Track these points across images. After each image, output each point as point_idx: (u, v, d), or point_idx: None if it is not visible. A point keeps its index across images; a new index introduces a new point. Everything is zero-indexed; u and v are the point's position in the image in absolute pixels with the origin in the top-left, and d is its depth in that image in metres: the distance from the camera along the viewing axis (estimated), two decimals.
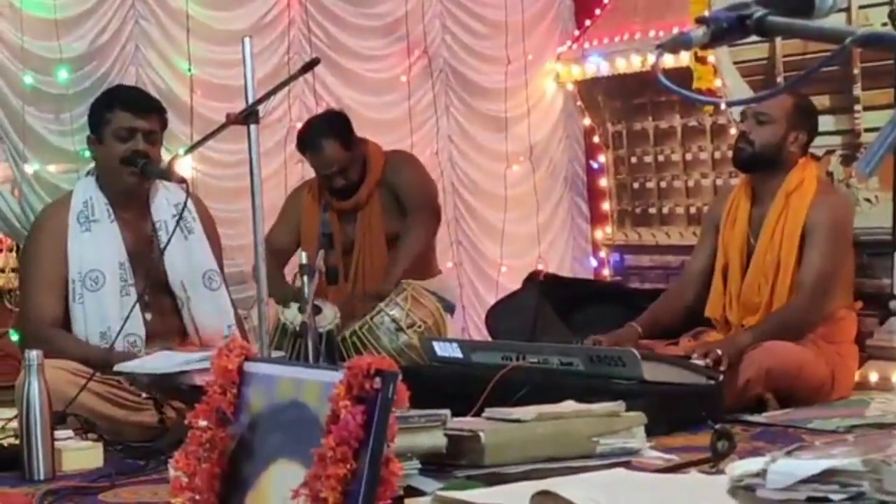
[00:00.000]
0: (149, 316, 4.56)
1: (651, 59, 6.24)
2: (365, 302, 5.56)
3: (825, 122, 5.58)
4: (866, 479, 1.76)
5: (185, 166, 5.51)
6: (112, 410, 4.26)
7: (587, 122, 7.06)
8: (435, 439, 3.10)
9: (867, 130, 5.43)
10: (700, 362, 4.41)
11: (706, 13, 2.05)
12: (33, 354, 3.72)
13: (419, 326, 5.46)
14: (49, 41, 5.67)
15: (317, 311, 4.75)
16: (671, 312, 5.06)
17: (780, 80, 5.70)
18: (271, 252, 5.17)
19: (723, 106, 5.97)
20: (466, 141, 6.90)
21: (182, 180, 4.51)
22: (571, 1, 7.10)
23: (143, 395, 4.19)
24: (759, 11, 1.99)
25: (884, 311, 5.33)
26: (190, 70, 5.99)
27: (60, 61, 5.68)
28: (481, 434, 3.14)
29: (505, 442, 3.18)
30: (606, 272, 7.04)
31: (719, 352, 4.49)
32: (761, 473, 1.85)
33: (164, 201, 4.69)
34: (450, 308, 5.89)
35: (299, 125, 5.99)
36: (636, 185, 6.82)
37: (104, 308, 4.50)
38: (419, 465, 3.05)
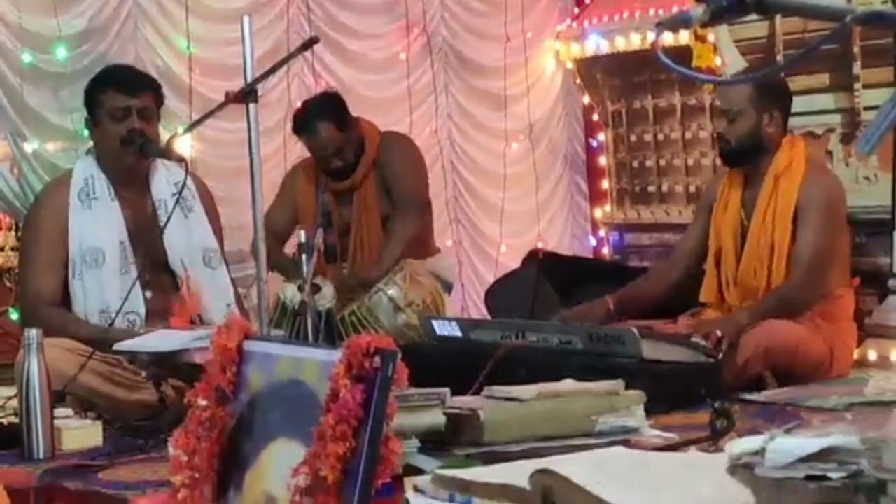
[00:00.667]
0: (149, 294, 4.57)
1: (651, 37, 6.23)
2: (349, 289, 5.56)
3: (825, 101, 5.58)
4: (865, 457, 1.76)
5: (184, 145, 5.51)
6: (111, 389, 4.26)
7: (586, 100, 7.06)
8: (434, 418, 3.10)
9: (867, 109, 5.43)
10: (701, 342, 4.42)
11: None
12: (33, 333, 3.72)
13: (417, 305, 5.46)
14: (47, 19, 5.66)
15: (316, 289, 4.74)
16: (650, 291, 5.04)
17: (779, 58, 5.70)
18: (269, 232, 5.17)
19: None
20: (466, 119, 6.89)
21: (181, 159, 4.51)
22: None
23: (143, 373, 4.19)
24: None
25: (883, 289, 5.33)
26: (189, 48, 5.98)
27: (59, 39, 5.68)
28: (480, 412, 3.15)
29: (504, 420, 3.18)
30: (606, 250, 7.05)
31: (719, 333, 4.51)
32: (760, 452, 1.85)
33: (164, 180, 4.69)
34: (448, 287, 5.89)
35: (298, 104, 5.99)
36: (636, 164, 6.82)
37: (104, 286, 4.50)
38: (418, 444, 3.05)
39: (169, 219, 4.56)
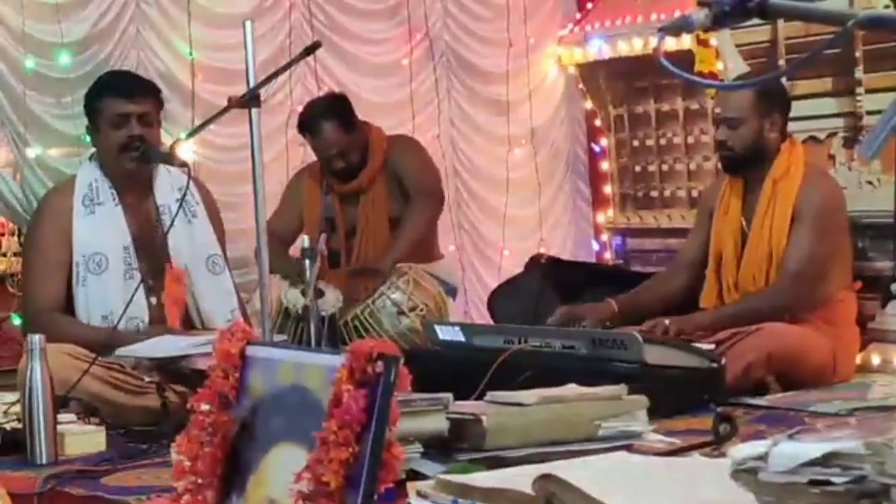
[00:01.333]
0: (153, 300, 4.57)
1: (653, 41, 6.23)
2: (360, 279, 5.56)
3: (827, 105, 5.58)
4: (868, 462, 1.76)
5: (187, 150, 5.51)
6: (114, 394, 4.27)
7: (589, 105, 7.05)
8: (437, 423, 3.10)
9: (869, 113, 5.43)
10: (703, 346, 4.42)
11: None
12: (36, 339, 3.72)
13: (421, 310, 5.46)
14: (50, 25, 5.66)
15: (319, 294, 4.75)
16: (654, 297, 5.04)
17: (782, 62, 5.70)
18: (273, 238, 5.17)
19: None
20: (468, 124, 6.89)
21: (183, 164, 4.51)
22: None
23: (146, 378, 4.20)
24: None
25: (885, 293, 5.33)
26: (191, 53, 5.98)
27: (62, 45, 5.68)
28: (483, 418, 3.14)
29: (507, 425, 3.18)
30: (608, 255, 7.04)
31: (667, 322, 4.60)
32: (763, 456, 1.85)
33: (167, 185, 4.70)
34: (451, 291, 5.89)
35: (301, 109, 5.99)
36: (638, 169, 6.82)
37: (107, 291, 4.51)
38: (421, 449, 3.05)
39: (172, 223, 4.56)
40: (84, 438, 3.85)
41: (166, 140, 4.92)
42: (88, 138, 4.85)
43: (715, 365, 4.29)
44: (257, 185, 4.00)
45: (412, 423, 2.99)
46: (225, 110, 4.17)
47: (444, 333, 4.81)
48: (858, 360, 5.00)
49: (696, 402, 4.09)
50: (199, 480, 2.31)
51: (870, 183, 5.45)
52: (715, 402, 4.05)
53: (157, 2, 5.94)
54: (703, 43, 5.92)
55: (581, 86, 7.03)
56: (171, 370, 4.09)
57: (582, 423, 3.25)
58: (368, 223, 5.81)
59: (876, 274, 5.34)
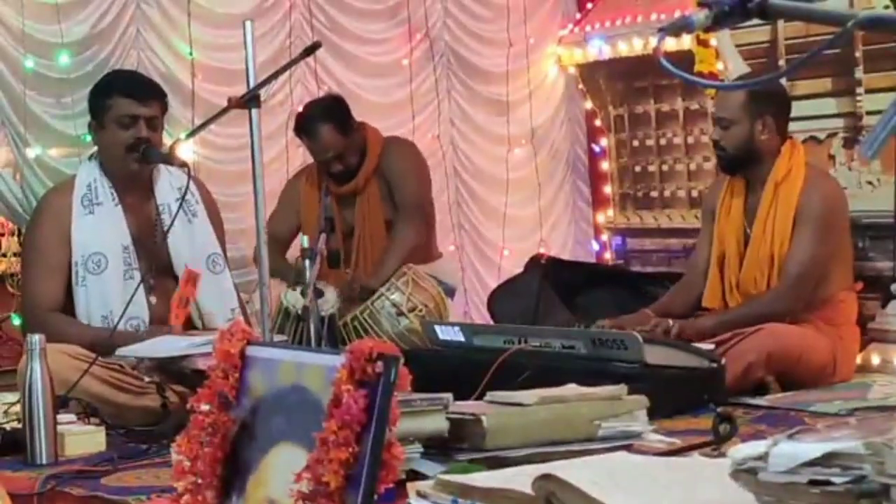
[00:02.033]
0: (153, 299, 4.57)
1: (653, 41, 6.23)
2: (352, 298, 5.55)
3: (827, 105, 5.58)
4: (868, 462, 1.76)
5: (187, 150, 5.51)
6: (114, 394, 4.27)
7: (589, 105, 7.05)
8: (437, 423, 3.10)
9: (869, 113, 5.43)
10: (703, 347, 4.42)
11: None
12: (35, 339, 3.72)
13: (420, 310, 5.46)
14: (50, 25, 5.66)
15: (319, 294, 4.75)
16: (684, 304, 5.02)
17: (781, 63, 5.70)
18: (271, 238, 5.17)
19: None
20: (468, 124, 6.89)
21: (183, 164, 4.52)
22: None
23: (146, 379, 4.20)
24: None
25: (886, 294, 5.33)
26: (191, 54, 5.97)
27: (61, 45, 5.67)
28: (483, 418, 3.14)
29: (507, 425, 3.18)
30: (608, 255, 7.04)
31: (670, 322, 4.62)
32: (763, 456, 1.85)
33: (167, 185, 4.70)
34: (451, 292, 5.89)
35: (301, 109, 5.99)
36: (638, 169, 6.82)
37: (107, 291, 4.51)
38: (421, 449, 3.05)
39: (172, 223, 4.57)
40: (84, 438, 3.85)
41: (166, 140, 4.92)
42: (89, 136, 4.85)
43: (715, 365, 4.29)
44: (257, 185, 4.00)
45: (412, 423, 2.99)
46: (225, 110, 4.17)
47: (444, 333, 4.81)
48: (858, 360, 5.00)
49: (696, 402, 4.09)
50: (199, 480, 2.31)
51: (870, 183, 5.45)
52: (715, 402, 4.05)
53: (157, 2, 5.94)
54: (703, 43, 5.92)
55: (581, 86, 7.03)
56: (171, 370, 4.08)
57: (582, 423, 3.25)
58: (365, 224, 5.81)
59: (876, 274, 5.34)
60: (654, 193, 6.74)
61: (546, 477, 2.14)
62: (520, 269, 6.25)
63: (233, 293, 4.77)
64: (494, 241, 6.92)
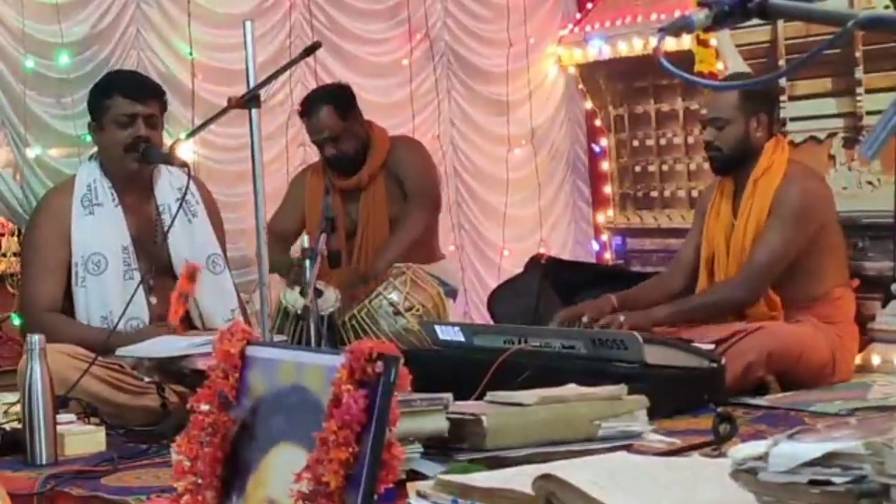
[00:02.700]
0: (153, 300, 4.58)
1: (653, 41, 6.23)
2: (354, 284, 5.56)
3: (827, 105, 5.58)
4: (868, 462, 1.76)
5: (187, 150, 5.51)
6: (114, 395, 4.27)
7: (589, 105, 7.05)
8: (437, 423, 3.10)
9: (869, 113, 5.43)
10: (702, 347, 4.43)
11: None
12: (35, 339, 3.72)
13: (417, 310, 5.45)
14: (50, 25, 5.65)
15: (318, 294, 4.75)
16: (652, 295, 5.01)
17: (781, 62, 5.70)
18: (274, 236, 5.17)
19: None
20: (468, 124, 6.89)
21: (183, 164, 4.52)
22: None
23: (146, 379, 4.20)
24: None
25: (886, 293, 5.33)
26: (191, 54, 5.97)
27: (61, 45, 5.67)
28: (483, 418, 3.14)
29: (507, 425, 3.18)
30: (608, 255, 7.04)
31: (622, 318, 4.66)
32: (763, 456, 1.85)
33: (167, 185, 4.70)
34: (451, 292, 5.88)
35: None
36: (638, 169, 6.82)
37: (106, 292, 4.51)
38: (421, 449, 3.05)
39: (172, 223, 4.57)
40: (84, 438, 3.85)
41: (166, 140, 4.92)
42: (89, 136, 4.85)
43: (715, 365, 4.29)
44: (257, 185, 4.00)
45: (412, 423, 2.99)
46: (225, 110, 4.17)
47: (444, 333, 4.81)
48: (858, 360, 5.00)
49: (696, 402, 4.09)
50: (199, 481, 2.31)
51: (870, 183, 5.45)
52: (715, 402, 4.05)
53: (157, 2, 5.94)
54: (703, 43, 5.92)
55: (581, 86, 7.03)
56: (171, 370, 4.08)
57: (582, 423, 3.25)
58: (369, 222, 5.81)
59: (876, 274, 5.34)
60: (654, 193, 6.74)
61: (546, 477, 2.14)
62: (520, 269, 6.24)
63: (233, 294, 4.77)
64: (494, 241, 6.92)
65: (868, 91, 5.43)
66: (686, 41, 5.91)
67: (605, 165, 7.02)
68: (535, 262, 6.15)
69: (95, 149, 4.75)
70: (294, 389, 2.20)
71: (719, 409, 3.44)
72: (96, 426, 3.98)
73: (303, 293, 4.60)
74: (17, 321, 5.49)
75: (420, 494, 2.40)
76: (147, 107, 4.60)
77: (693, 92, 6.36)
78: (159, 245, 4.61)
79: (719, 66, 5.94)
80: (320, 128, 5.72)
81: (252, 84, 4.00)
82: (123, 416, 4.20)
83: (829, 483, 1.78)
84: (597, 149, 7.09)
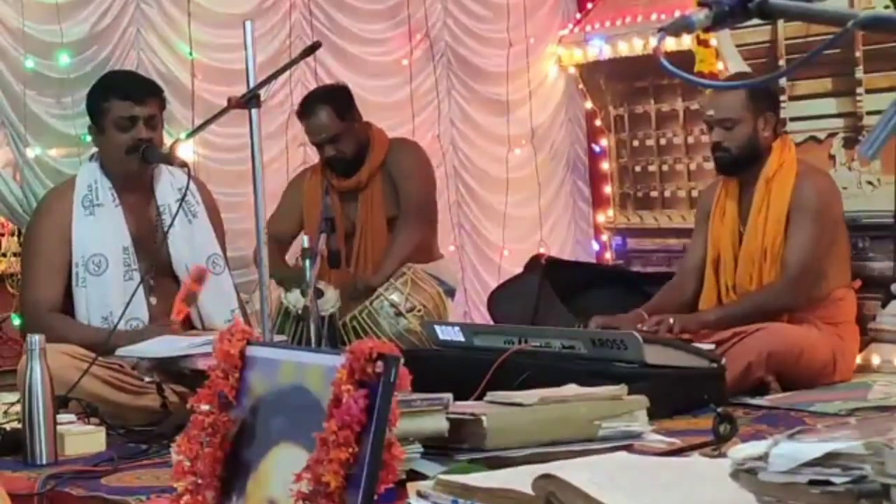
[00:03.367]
0: (153, 300, 4.58)
1: (653, 41, 6.23)
2: (352, 297, 5.55)
3: (827, 105, 5.58)
4: (869, 462, 1.76)
5: (187, 150, 5.51)
6: (114, 395, 4.27)
7: (589, 105, 7.05)
8: (437, 423, 3.10)
9: (869, 113, 5.43)
10: (703, 347, 4.42)
11: None
12: (35, 339, 3.72)
13: (418, 311, 5.46)
14: (50, 25, 5.65)
15: (319, 294, 4.75)
16: (676, 304, 5.01)
17: (782, 62, 5.70)
18: (272, 238, 5.17)
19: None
20: (468, 124, 6.89)
21: (183, 164, 4.52)
22: None
23: (146, 379, 4.20)
24: None
25: (886, 293, 5.33)
26: (191, 54, 5.97)
27: (62, 45, 5.67)
28: (483, 418, 3.14)
29: (507, 426, 3.18)
30: (608, 255, 7.04)
31: (671, 320, 4.62)
32: (763, 457, 1.84)
33: (168, 185, 4.70)
34: (451, 292, 5.88)
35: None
36: (638, 169, 6.82)
37: (107, 292, 4.51)
38: (421, 449, 3.05)
39: (172, 223, 4.57)
40: (84, 438, 3.85)
41: (166, 140, 4.92)
42: (89, 138, 4.84)
43: (715, 365, 4.29)
44: (257, 185, 4.00)
45: (412, 423, 2.99)
46: (225, 110, 4.17)
47: (445, 333, 4.81)
48: (858, 360, 5.00)
49: (696, 402, 4.09)
50: (199, 481, 2.31)
51: (870, 183, 5.45)
52: (715, 402, 4.05)
53: (157, 2, 5.93)
54: (703, 43, 5.92)
55: (581, 86, 7.03)
56: (171, 370, 4.08)
57: (582, 424, 3.25)
58: (367, 223, 5.80)
59: (876, 274, 5.34)
60: (655, 193, 6.74)
61: (546, 477, 2.14)
62: (520, 269, 6.24)
63: (233, 294, 4.77)
64: (494, 242, 6.92)
65: (868, 91, 5.43)
66: (686, 41, 5.91)
67: (605, 165, 7.02)
68: (535, 262, 6.15)
69: (95, 149, 4.75)
70: (294, 389, 2.20)
71: (719, 410, 3.44)
72: (96, 426, 3.98)
73: (303, 293, 4.60)
74: (17, 321, 5.50)
75: (420, 494, 2.40)
76: (146, 107, 4.59)
77: (693, 92, 6.35)
78: (159, 245, 4.61)
79: (719, 66, 5.94)
80: (319, 129, 5.72)
81: (252, 84, 4.00)
82: (123, 416, 4.20)
83: (829, 483, 1.78)
84: (597, 149, 7.09)
